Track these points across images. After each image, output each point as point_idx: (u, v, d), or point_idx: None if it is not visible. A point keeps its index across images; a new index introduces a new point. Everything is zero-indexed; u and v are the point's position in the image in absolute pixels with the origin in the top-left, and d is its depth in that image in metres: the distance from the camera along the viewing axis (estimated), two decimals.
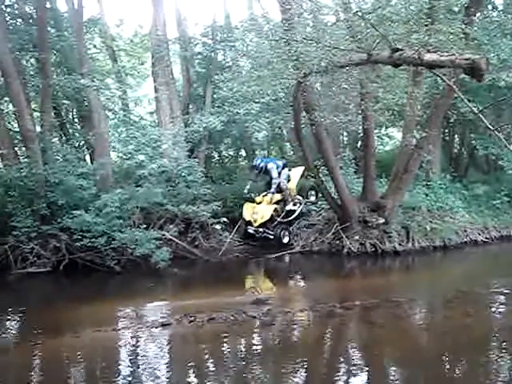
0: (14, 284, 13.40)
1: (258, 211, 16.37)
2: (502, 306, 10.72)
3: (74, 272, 13.83)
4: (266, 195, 16.74)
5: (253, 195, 16.95)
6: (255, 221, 16.32)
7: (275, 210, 16.52)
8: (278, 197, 16.57)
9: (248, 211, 16.59)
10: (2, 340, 9.22)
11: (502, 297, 11.03)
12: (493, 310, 10.47)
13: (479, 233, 17.12)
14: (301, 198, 17.34)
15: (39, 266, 14.25)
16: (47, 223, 14.46)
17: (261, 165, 16.55)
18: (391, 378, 7.15)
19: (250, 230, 16.41)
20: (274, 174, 16.35)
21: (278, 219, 16.41)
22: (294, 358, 7.65)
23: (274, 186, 16.49)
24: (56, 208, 14.44)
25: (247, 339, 8.86)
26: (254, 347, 8.60)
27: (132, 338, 8.92)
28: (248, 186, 16.95)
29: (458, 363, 7.48)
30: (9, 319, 10.43)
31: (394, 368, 7.53)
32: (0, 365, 7.73)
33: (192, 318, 9.32)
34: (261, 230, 16.27)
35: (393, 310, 9.94)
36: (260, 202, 16.76)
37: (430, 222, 16.38)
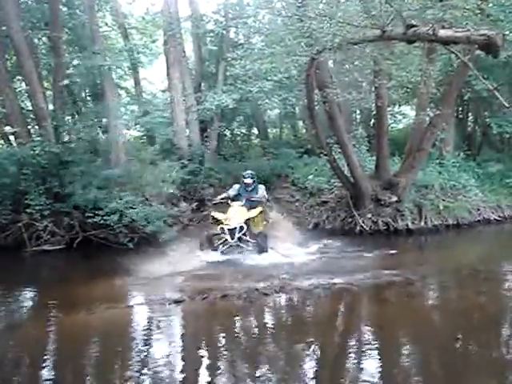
0: (29, 261, 13.55)
1: (232, 212, 13.10)
2: None
3: (87, 249, 13.96)
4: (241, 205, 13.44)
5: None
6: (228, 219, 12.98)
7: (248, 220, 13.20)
8: (252, 213, 13.24)
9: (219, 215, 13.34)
10: (18, 315, 9.32)
11: None
12: (506, 288, 10.43)
13: (492, 211, 16.97)
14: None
15: (53, 243, 14.42)
16: (60, 201, 14.55)
17: (253, 185, 13.68)
18: (404, 356, 7.13)
19: (226, 226, 12.68)
20: (261, 193, 13.76)
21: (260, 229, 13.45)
22: (306, 335, 7.69)
23: (255, 198, 13.49)
24: (69, 186, 14.49)
25: (260, 316, 8.90)
26: (267, 324, 8.63)
27: (145, 314, 9.01)
28: (225, 195, 13.85)
29: (471, 342, 7.45)
30: (24, 295, 10.54)
31: (406, 347, 7.49)
32: (15, 340, 7.80)
33: (205, 295, 9.38)
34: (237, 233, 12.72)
35: (404, 289, 9.94)
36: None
37: (443, 200, 16.33)
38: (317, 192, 17.38)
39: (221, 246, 12.97)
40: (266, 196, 14.18)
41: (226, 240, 12.75)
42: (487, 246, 14.72)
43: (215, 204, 14.19)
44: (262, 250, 12.78)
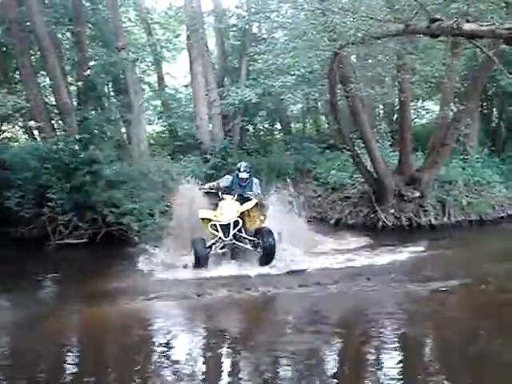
0: (52, 254, 13.72)
1: (224, 206, 11.51)
2: None
3: (110, 243, 14.03)
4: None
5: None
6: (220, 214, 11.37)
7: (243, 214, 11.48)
8: (248, 205, 11.45)
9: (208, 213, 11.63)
10: (41, 307, 9.42)
11: None
12: None
13: None
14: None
15: (76, 237, 14.54)
16: (83, 196, 14.64)
17: (247, 178, 11.99)
18: (426, 355, 7.07)
19: (218, 222, 11.11)
20: (256, 189, 12.00)
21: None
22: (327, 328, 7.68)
23: (248, 195, 11.82)
24: (91, 180, 14.58)
25: (283, 309, 8.91)
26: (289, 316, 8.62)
27: (168, 307, 9.05)
28: (215, 184, 12.51)
29: (494, 339, 7.32)
30: (47, 287, 10.66)
31: (429, 345, 7.43)
32: (38, 331, 7.87)
33: (228, 288, 9.42)
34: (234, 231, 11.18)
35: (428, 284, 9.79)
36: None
37: (467, 196, 16.16)
38: (339, 187, 17.31)
39: (214, 247, 11.19)
40: (261, 193, 12.05)
41: (220, 238, 11.03)
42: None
43: (206, 193, 12.45)
44: (268, 251, 10.89)
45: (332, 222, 16.12)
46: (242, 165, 12.20)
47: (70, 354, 7.13)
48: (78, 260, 13.39)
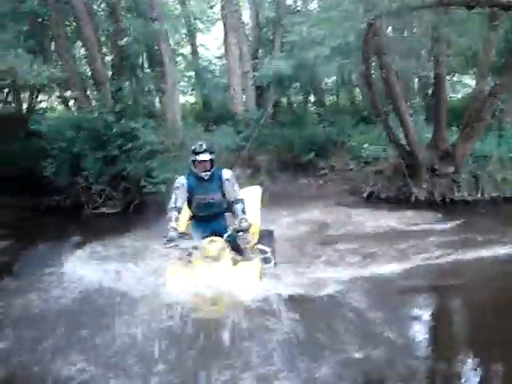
0: (86, 222, 13.93)
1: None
2: None
3: (144, 213, 14.15)
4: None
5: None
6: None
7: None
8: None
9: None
10: (76, 270, 9.58)
11: None
12: None
13: None
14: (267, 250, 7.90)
15: (110, 206, 14.76)
16: (117, 166, 14.82)
17: (211, 164, 7.17)
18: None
19: None
20: (236, 189, 7.37)
21: None
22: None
23: (241, 217, 7.12)
24: (125, 150, 14.74)
25: None
26: None
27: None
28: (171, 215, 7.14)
29: None
30: (81, 253, 10.82)
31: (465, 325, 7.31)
32: (71, 293, 7.93)
33: None
34: None
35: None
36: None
37: (501, 172, 15.95)
38: (372, 161, 17.21)
39: None
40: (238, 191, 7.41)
41: None
42: None
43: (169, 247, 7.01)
44: None
45: (364, 195, 16.02)
46: (198, 144, 7.27)
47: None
48: (112, 228, 13.48)
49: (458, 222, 12.17)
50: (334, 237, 11.17)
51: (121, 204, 14.89)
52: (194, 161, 7.17)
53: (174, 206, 7.09)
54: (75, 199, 15.03)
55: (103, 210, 14.74)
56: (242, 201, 7.23)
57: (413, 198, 15.16)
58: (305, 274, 8.14)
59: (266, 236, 7.89)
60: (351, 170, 17.64)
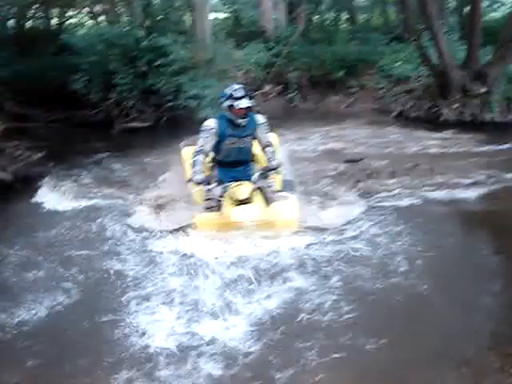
0: (117, 137, 14.20)
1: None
2: None
3: (173, 127, 14.26)
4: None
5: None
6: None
7: None
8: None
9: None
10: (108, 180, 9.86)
11: None
12: None
13: None
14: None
15: (140, 121, 14.93)
16: (147, 81, 14.90)
17: (249, 111, 6.78)
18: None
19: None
20: (267, 133, 7.16)
21: None
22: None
23: (271, 156, 6.97)
24: (155, 66, 14.77)
25: None
26: None
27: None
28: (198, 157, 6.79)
29: None
30: (112, 164, 11.05)
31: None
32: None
33: None
34: None
35: None
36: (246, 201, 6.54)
37: None
38: (403, 79, 17.06)
39: None
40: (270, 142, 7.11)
41: None
42: None
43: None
44: None
45: (394, 114, 15.93)
46: (236, 87, 6.78)
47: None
48: (141, 141, 13.65)
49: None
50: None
51: (151, 118, 15.05)
52: (230, 106, 6.69)
53: (201, 149, 6.75)
54: (106, 114, 15.21)
55: (132, 124, 14.91)
56: (272, 144, 7.07)
57: (442, 118, 15.06)
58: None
59: (288, 185, 7.39)
60: (381, 88, 17.51)
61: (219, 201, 6.66)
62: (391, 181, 9.04)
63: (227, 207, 6.56)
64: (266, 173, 6.82)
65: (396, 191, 8.51)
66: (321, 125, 14.25)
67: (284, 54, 17.87)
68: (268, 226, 6.49)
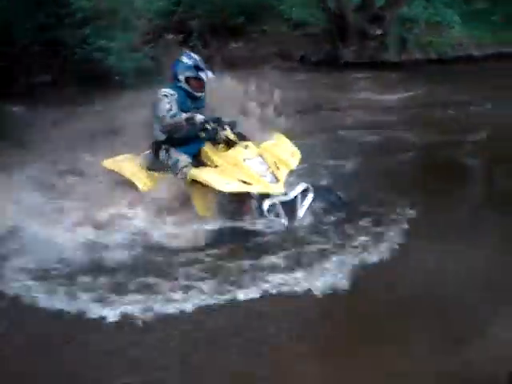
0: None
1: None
2: None
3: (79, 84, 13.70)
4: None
5: None
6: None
7: None
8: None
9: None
10: None
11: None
12: None
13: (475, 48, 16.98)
14: None
15: (44, 76, 14.51)
16: (50, 33, 14.40)
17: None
18: None
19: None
20: None
21: None
22: None
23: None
24: (57, 17, 14.27)
25: None
26: None
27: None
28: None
29: None
30: None
31: None
32: None
33: None
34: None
35: None
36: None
37: (427, 35, 16.34)
38: (302, 24, 17.27)
39: None
40: None
41: None
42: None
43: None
44: None
45: (297, 58, 16.16)
46: (194, 57, 6.26)
47: None
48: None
49: None
50: None
51: (55, 73, 14.58)
52: (188, 77, 6.17)
53: (174, 113, 6.02)
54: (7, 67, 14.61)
55: (37, 79, 14.41)
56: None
57: (342, 60, 15.44)
58: None
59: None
60: (282, 34, 17.67)
61: (214, 129, 6.04)
62: None
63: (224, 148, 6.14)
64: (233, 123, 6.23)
65: None
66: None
67: (184, 2, 17.63)
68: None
